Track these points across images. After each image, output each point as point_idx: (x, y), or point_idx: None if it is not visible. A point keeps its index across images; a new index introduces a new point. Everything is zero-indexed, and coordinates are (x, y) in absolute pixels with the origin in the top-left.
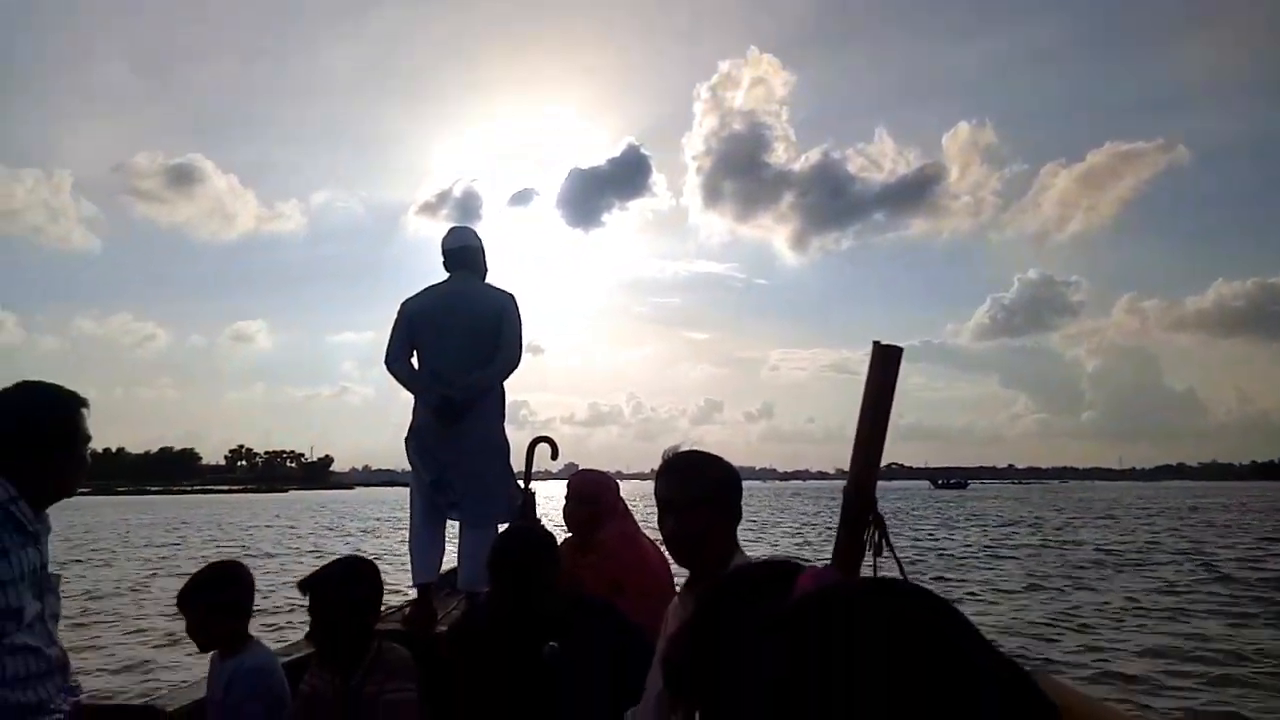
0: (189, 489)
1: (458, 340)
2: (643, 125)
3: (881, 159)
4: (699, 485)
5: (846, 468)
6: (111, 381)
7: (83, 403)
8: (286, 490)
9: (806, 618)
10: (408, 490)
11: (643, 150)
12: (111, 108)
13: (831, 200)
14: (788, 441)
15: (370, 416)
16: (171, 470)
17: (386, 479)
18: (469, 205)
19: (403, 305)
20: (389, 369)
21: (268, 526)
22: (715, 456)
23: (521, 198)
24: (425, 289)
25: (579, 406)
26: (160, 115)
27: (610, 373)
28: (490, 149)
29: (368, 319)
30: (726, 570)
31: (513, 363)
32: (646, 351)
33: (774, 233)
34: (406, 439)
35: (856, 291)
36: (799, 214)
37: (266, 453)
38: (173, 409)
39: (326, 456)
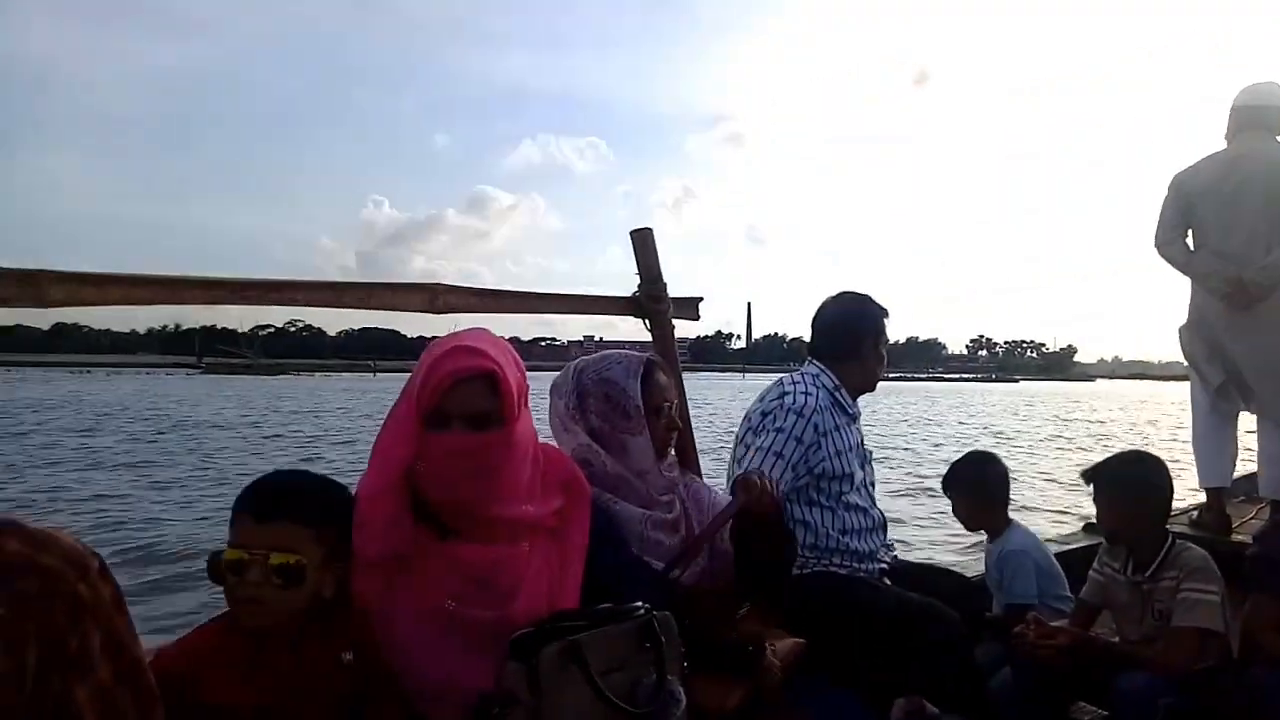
0: (926, 376)
1: (1250, 215)
2: None
3: None
4: None
5: None
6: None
7: (886, 312)
8: (1016, 381)
9: None
10: (1156, 385)
11: None
12: None
13: None
14: None
15: (1125, 304)
16: (918, 359)
17: (1138, 371)
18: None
19: (1175, 178)
20: (1160, 251)
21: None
22: None
23: None
24: (1205, 158)
25: None
26: None
27: None
28: None
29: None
30: None
31: None
32: None
33: None
34: (1181, 329)
35: None
36: None
37: (1007, 342)
38: (920, 303)
39: (1069, 347)
